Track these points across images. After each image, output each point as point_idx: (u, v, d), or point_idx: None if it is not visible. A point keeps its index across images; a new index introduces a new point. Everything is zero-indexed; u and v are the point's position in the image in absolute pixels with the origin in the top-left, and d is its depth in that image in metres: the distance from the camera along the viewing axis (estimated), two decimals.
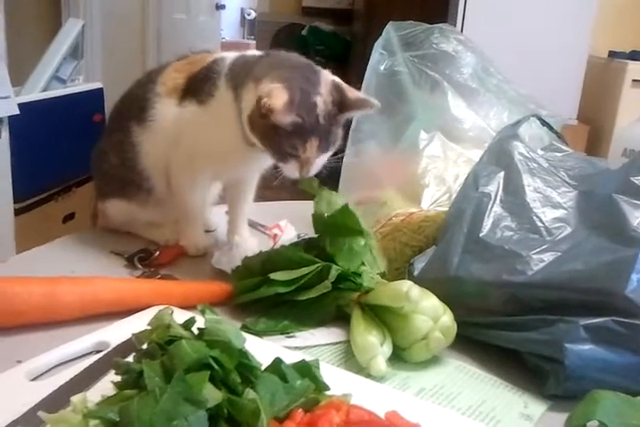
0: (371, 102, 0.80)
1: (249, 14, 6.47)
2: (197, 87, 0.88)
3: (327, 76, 0.81)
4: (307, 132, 0.76)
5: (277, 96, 0.73)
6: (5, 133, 1.76)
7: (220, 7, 4.34)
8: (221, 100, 0.85)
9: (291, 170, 0.80)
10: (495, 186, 0.76)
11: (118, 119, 0.98)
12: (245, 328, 0.71)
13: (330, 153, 0.82)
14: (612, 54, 2.92)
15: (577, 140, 2.62)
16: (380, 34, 1.01)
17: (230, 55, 0.89)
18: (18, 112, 1.75)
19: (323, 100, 0.77)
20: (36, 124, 1.95)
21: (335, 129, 0.80)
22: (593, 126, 2.84)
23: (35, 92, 2.11)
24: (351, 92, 0.80)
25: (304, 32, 3.87)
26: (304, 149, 0.77)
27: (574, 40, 2.65)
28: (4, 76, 1.72)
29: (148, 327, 0.56)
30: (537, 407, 0.61)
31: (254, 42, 4.71)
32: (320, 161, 0.80)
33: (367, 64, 1.00)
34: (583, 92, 2.71)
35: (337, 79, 0.82)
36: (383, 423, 0.52)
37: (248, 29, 6.63)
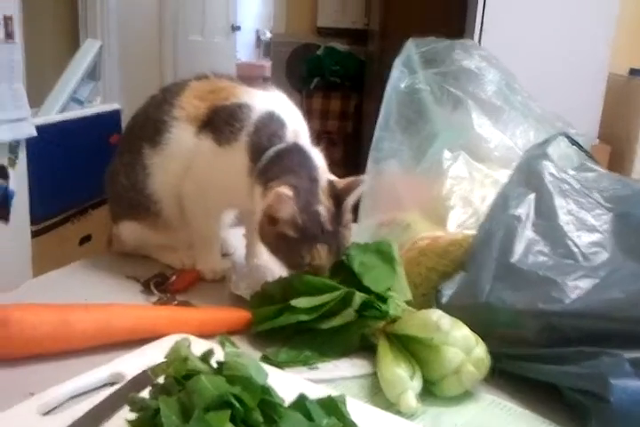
0: (358, 180, 0.81)
1: (264, 35, 6.53)
2: (218, 126, 0.86)
3: (325, 178, 0.82)
4: (313, 239, 0.77)
5: (284, 202, 0.76)
6: (23, 155, 1.76)
7: (235, 28, 4.38)
8: (237, 155, 0.85)
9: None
10: (526, 208, 0.73)
11: (130, 139, 0.96)
12: (266, 359, 0.68)
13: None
14: (633, 72, 2.87)
15: (599, 160, 2.56)
16: (396, 54, 0.99)
17: (256, 106, 0.86)
18: (35, 134, 1.75)
19: (325, 208, 0.79)
20: (53, 146, 1.95)
21: (344, 231, 0.80)
22: (614, 146, 2.78)
23: (52, 113, 2.11)
24: (339, 183, 0.82)
25: (319, 52, 3.86)
26: (312, 256, 0.77)
27: (594, 57, 2.61)
28: (23, 97, 1.72)
29: (165, 360, 0.53)
30: None
31: (269, 63, 4.74)
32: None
33: (383, 84, 0.98)
34: (603, 111, 2.66)
35: (332, 177, 0.83)
36: None
37: (263, 50, 6.68)
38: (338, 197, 0.80)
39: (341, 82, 3.79)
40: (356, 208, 0.89)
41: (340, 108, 3.77)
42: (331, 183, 0.82)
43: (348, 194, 0.80)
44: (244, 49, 6.36)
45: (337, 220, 0.79)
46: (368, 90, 3.57)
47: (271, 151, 0.83)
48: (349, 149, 3.56)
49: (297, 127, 0.87)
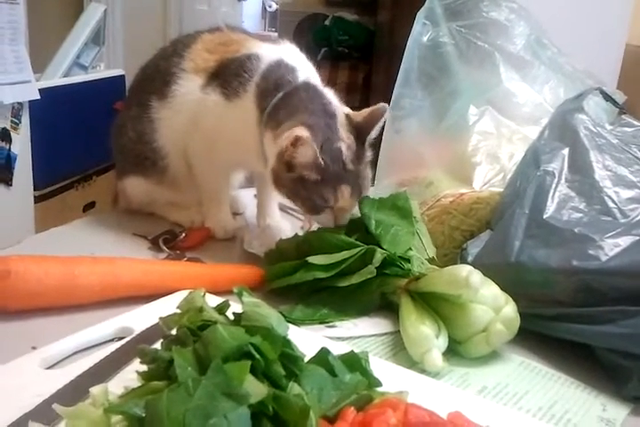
0: (379, 110, 0.76)
1: (270, 6, 6.40)
2: (226, 79, 0.82)
3: (341, 112, 0.77)
4: (336, 180, 0.72)
5: (301, 145, 0.70)
6: (26, 119, 1.72)
7: None
8: (245, 106, 0.80)
9: (324, 220, 0.75)
10: (559, 163, 0.68)
11: (138, 92, 0.92)
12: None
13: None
14: None
15: None
16: (408, 24, 0.94)
17: (265, 56, 0.82)
18: (38, 97, 1.70)
19: (346, 145, 0.74)
20: (56, 111, 1.91)
21: (364, 171, 0.76)
22: None
23: (55, 78, 2.06)
24: (357, 117, 0.77)
25: (327, 22, 3.78)
26: (336, 198, 0.73)
27: (611, 27, 2.53)
28: (25, 60, 1.68)
29: (177, 311, 0.49)
30: (617, 411, 0.54)
31: (275, 34, 4.64)
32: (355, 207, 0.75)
33: (393, 55, 0.93)
34: (620, 84, 2.59)
35: (347, 110, 0.78)
36: (447, 426, 0.45)
37: (269, 21, 6.56)
38: (358, 131, 0.75)
39: (349, 52, 3.71)
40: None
41: (348, 79, 3.69)
42: (348, 117, 0.76)
43: (369, 128, 0.75)
44: (250, 20, 6.23)
45: (358, 157, 0.74)
46: (377, 61, 3.49)
47: (280, 94, 0.78)
48: None
49: (308, 74, 0.82)
